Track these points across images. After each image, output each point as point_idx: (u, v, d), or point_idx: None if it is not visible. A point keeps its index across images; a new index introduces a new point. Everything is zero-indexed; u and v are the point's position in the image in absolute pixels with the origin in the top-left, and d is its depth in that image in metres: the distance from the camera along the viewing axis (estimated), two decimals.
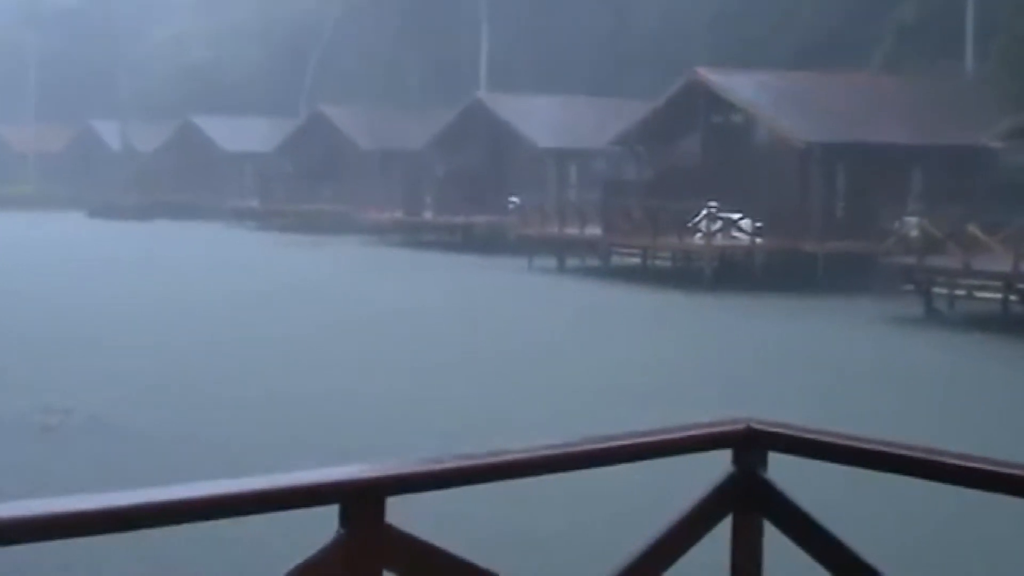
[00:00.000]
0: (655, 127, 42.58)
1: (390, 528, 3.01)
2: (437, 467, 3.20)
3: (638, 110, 44.03)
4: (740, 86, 40.20)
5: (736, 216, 36.89)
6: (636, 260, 41.25)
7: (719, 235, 36.96)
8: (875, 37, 51.21)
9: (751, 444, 3.60)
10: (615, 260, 41.98)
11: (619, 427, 3.61)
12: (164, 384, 18.54)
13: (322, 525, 3.02)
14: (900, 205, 36.08)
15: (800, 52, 51.20)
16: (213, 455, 13.57)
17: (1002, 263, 28.39)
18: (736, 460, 3.60)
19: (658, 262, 41.34)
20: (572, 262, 41.55)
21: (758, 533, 3.61)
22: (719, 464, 3.63)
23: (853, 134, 37.24)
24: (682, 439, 3.62)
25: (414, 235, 52.95)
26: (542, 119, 51.40)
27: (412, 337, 24.52)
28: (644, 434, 3.58)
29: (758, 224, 36.35)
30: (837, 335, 26.65)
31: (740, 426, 3.59)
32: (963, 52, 49.08)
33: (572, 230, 41.84)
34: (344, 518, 2.97)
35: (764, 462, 3.61)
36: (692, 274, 37.33)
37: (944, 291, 31.08)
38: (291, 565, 2.92)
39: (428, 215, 52.83)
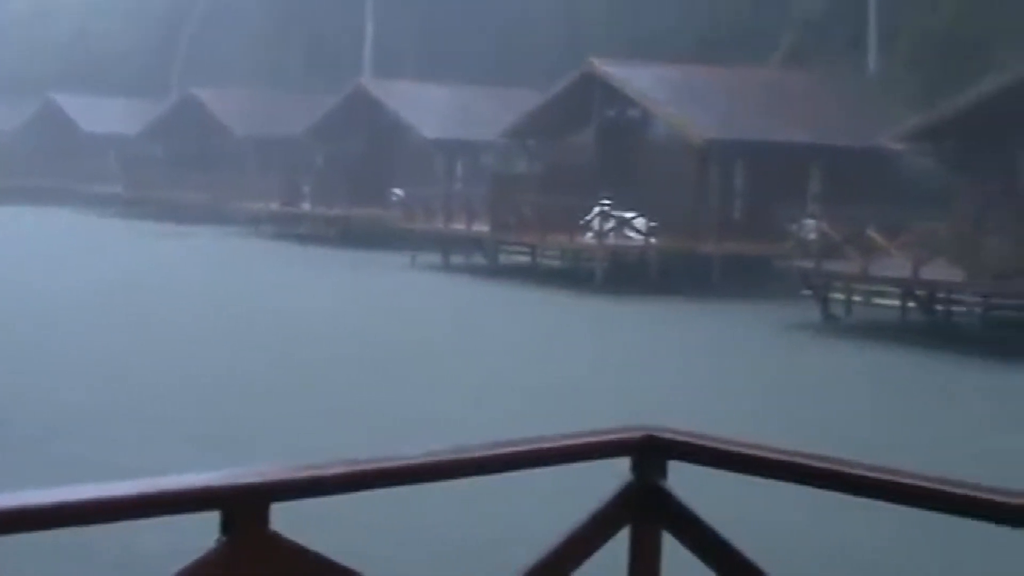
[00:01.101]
0: (547, 120, 42.76)
1: (274, 536, 3.02)
2: (324, 472, 3.21)
3: (531, 101, 44.18)
4: (637, 79, 40.50)
5: (630, 215, 37.18)
6: (525, 258, 41.41)
7: (612, 234, 37.22)
8: (778, 32, 51.96)
9: (650, 452, 3.66)
10: (503, 258, 42.08)
11: (501, 435, 3.64)
12: None
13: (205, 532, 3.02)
14: (799, 206, 36.63)
15: (701, 45, 51.72)
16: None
17: (901, 268, 28.99)
18: (635, 468, 3.66)
19: (548, 261, 41.56)
20: (457, 259, 41.58)
21: (656, 543, 3.68)
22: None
23: (753, 132, 37.75)
24: (579, 446, 3.67)
25: (291, 227, 52.60)
26: (429, 108, 51.33)
27: (280, 338, 24.26)
28: (540, 440, 3.63)
29: (653, 224, 36.66)
30: (730, 342, 27.01)
31: (639, 434, 3.65)
32: (867, 49, 50.02)
33: (458, 226, 41.84)
34: (226, 525, 2.97)
35: (663, 471, 3.68)
36: (583, 274, 37.57)
37: (842, 296, 31.65)
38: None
39: (306, 206, 52.49)
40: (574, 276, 38.12)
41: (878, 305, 32.24)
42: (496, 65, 59.34)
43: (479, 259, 41.74)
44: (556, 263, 41.76)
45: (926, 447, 15.81)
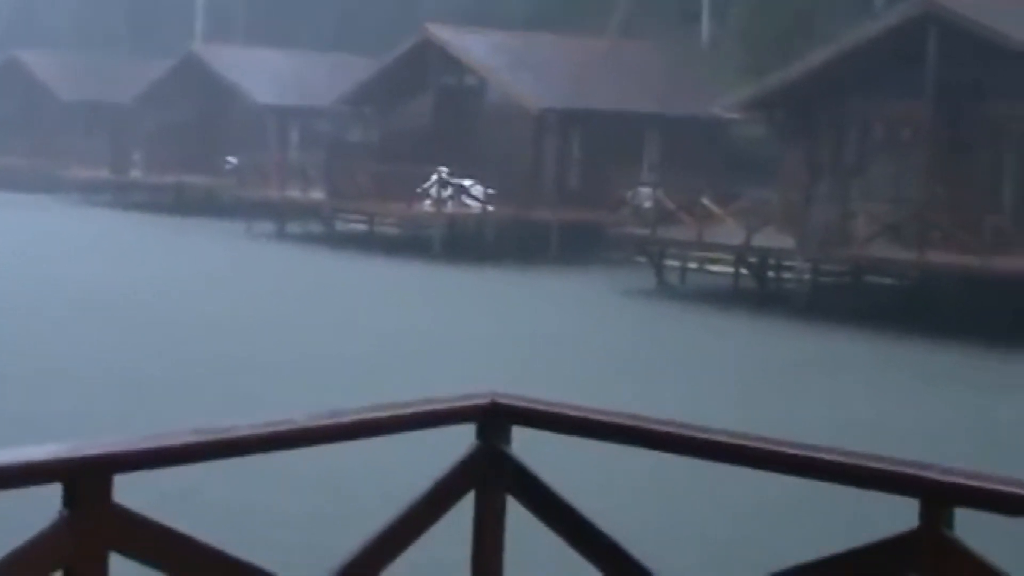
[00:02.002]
0: (384, 87, 42.54)
1: (117, 508, 2.99)
2: (167, 443, 3.18)
3: (368, 68, 43.90)
4: (474, 46, 40.51)
5: (468, 182, 37.23)
6: (362, 227, 41.22)
7: (449, 202, 37.25)
8: (613, 2, 52.38)
9: (495, 418, 3.70)
10: (339, 226, 41.84)
11: (334, 405, 3.64)
12: None
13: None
14: (635, 174, 37.10)
15: (538, 13, 51.91)
16: None
17: (734, 236, 29.56)
18: (480, 434, 3.70)
19: (385, 229, 41.43)
20: (293, 228, 41.21)
21: (500, 508, 3.72)
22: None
23: (589, 100, 38.05)
24: (424, 413, 3.69)
25: (122, 195, 51.53)
26: (263, 74, 50.67)
27: (107, 311, 23.70)
28: (384, 408, 3.64)
29: (490, 191, 36.79)
30: (566, 308, 27.27)
31: (484, 400, 3.69)
32: (700, 20, 50.71)
33: (294, 193, 41.47)
34: (68, 497, 2.93)
35: (508, 436, 3.72)
36: (421, 242, 37.54)
37: (676, 263, 32.16)
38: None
39: (137, 174, 51.48)
40: (412, 244, 38.09)
41: (712, 272, 32.83)
42: (331, 31, 58.83)
43: (315, 227, 41.43)
44: (394, 231, 41.66)
45: (746, 407, 16.22)
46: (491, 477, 3.69)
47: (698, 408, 15.24)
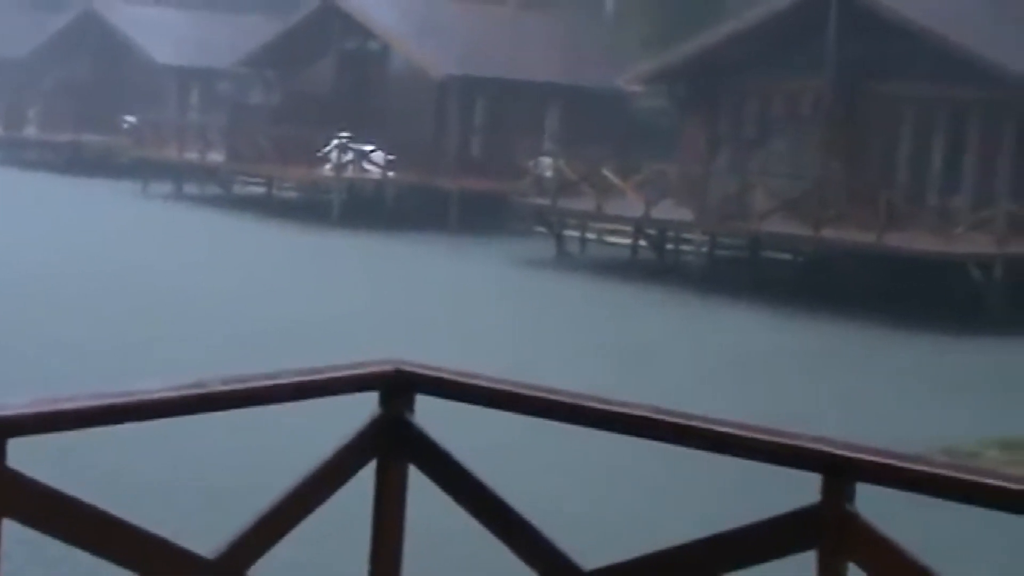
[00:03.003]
0: (286, 49, 42.13)
1: (12, 473, 2.91)
2: (65, 406, 3.11)
3: (271, 30, 43.44)
4: (378, 11, 40.22)
5: (368, 148, 37.01)
6: (261, 190, 40.83)
7: (350, 167, 37.02)
8: None
9: (398, 386, 3.66)
10: (238, 189, 41.42)
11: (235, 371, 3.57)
12: None
13: None
14: (537, 144, 37.12)
15: None
16: None
17: (634, 208, 29.70)
18: (383, 402, 3.66)
19: (284, 193, 41.08)
20: (191, 189, 40.72)
21: (402, 478, 3.69)
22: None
23: (493, 68, 37.97)
24: (326, 381, 3.64)
25: (16, 153, 50.51)
26: (163, 33, 49.90)
27: None
28: (286, 375, 3.58)
29: (391, 157, 36.60)
30: (464, 276, 27.26)
31: (388, 368, 3.65)
32: None
33: (192, 155, 40.96)
34: None
35: (411, 405, 3.68)
36: (320, 207, 37.27)
37: (576, 234, 32.25)
38: None
39: (33, 131, 50.51)
40: (311, 208, 37.80)
41: (611, 243, 32.98)
42: None
43: (214, 189, 40.97)
44: (293, 195, 41.32)
45: (623, 374, 16.34)
46: (393, 446, 3.66)
47: (578, 376, 15.28)
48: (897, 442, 14.14)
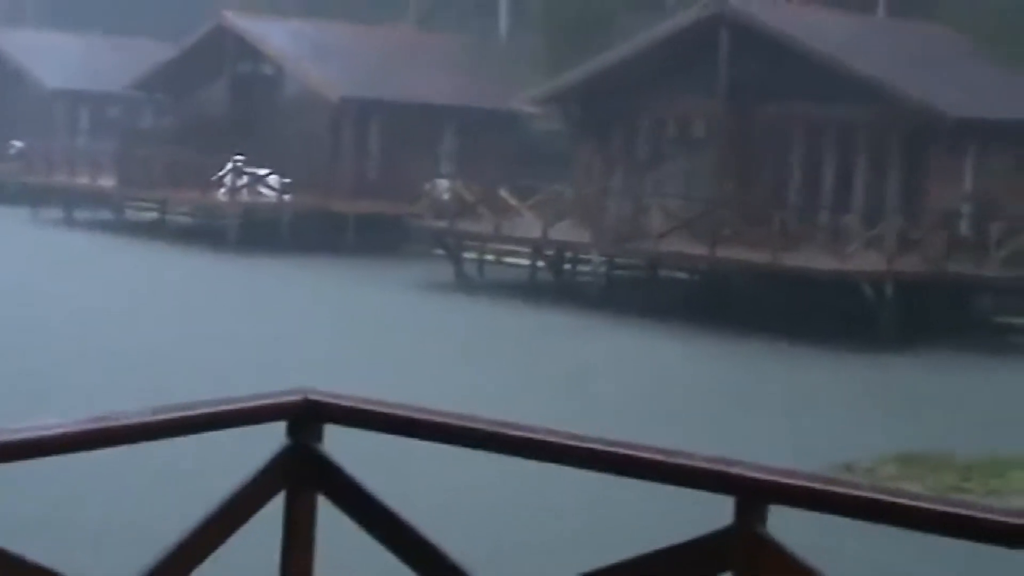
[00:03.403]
0: (178, 73, 41.73)
1: None
2: None
3: (162, 53, 43.01)
4: (272, 34, 40.01)
5: (264, 172, 36.77)
6: (154, 215, 40.35)
7: (245, 191, 36.73)
8: None
9: (307, 416, 3.62)
10: (130, 214, 40.91)
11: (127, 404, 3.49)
12: None
13: None
14: (433, 166, 37.12)
15: (336, 2, 51.50)
16: None
17: (532, 229, 29.80)
18: (291, 432, 3.62)
19: (179, 218, 40.65)
20: (82, 215, 40.14)
21: (311, 508, 3.64)
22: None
23: (388, 91, 37.90)
24: (234, 411, 3.59)
25: None
26: (53, 57, 49.16)
27: None
28: (193, 406, 3.53)
29: (287, 181, 36.38)
30: (361, 300, 27.13)
31: (297, 397, 3.60)
32: (498, 13, 50.95)
33: (83, 180, 40.40)
34: None
35: (320, 434, 3.64)
36: (215, 231, 36.94)
37: (475, 256, 32.24)
38: None
39: None
40: (206, 233, 37.43)
41: (510, 265, 33.02)
42: (125, 15, 57.44)
43: (105, 215, 40.42)
44: (187, 220, 40.89)
45: (516, 394, 16.38)
46: (302, 476, 3.62)
47: (471, 398, 15.24)
48: (796, 459, 14.29)
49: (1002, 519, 2.86)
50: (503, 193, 31.29)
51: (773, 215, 26.44)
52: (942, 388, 20.74)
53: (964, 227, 27.28)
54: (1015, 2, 41.59)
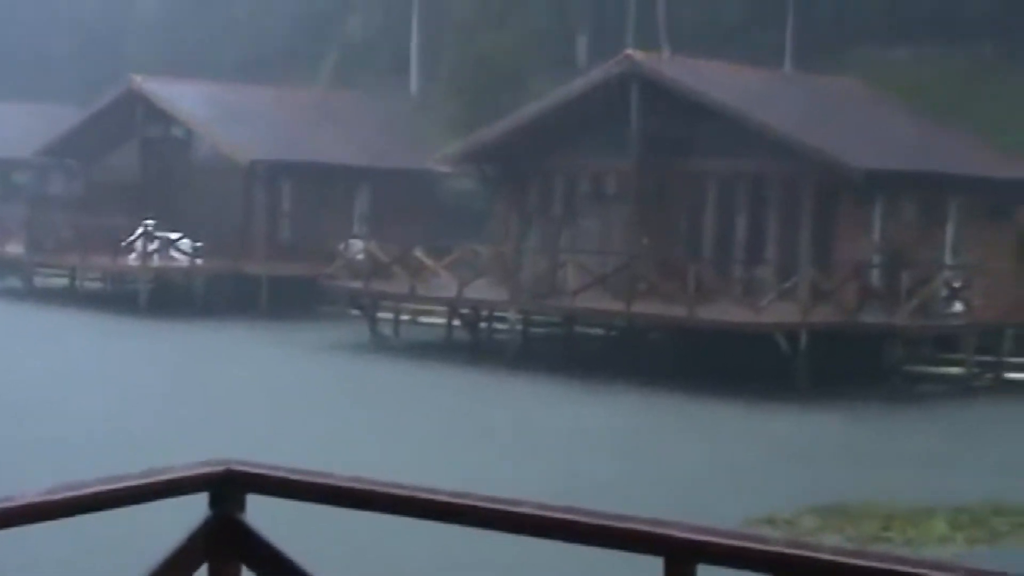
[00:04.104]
0: (88, 138, 41.45)
1: None
2: None
3: (71, 118, 42.70)
4: (181, 97, 39.84)
5: (175, 236, 36.52)
6: (64, 281, 39.88)
7: (156, 256, 36.44)
8: (322, 52, 52.37)
9: (229, 486, 3.59)
10: (39, 281, 40.38)
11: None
12: None
13: None
14: (347, 227, 37.05)
15: (247, 63, 51.48)
16: None
17: (447, 288, 29.80)
18: (213, 503, 3.58)
19: (90, 284, 40.20)
20: None
21: None
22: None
23: (300, 152, 37.86)
24: (156, 484, 3.55)
25: None
26: None
27: None
28: (115, 480, 3.48)
29: (199, 244, 36.16)
30: (275, 363, 26.94)
31: (219, 468, 3.57)
32: (409, 73, 51.14)
33: None
34: None
35: (242, 505, 3.61)
36: (126, 297, 36.58)
37: (390, 316, 32.16)
38: None
39: None
40: (117, 299, 37.05)
41: (426, 324, 32.98)
42: (33, 80, 56.99)
43: (14, 282, 39.89)
44: (98, 286, 40.46)
45: (428, 456, 16.32)
46: (224, 548, 3.58)
47: (384, 461, 15.17)
48: (716, 513, 14.37)
49: (922, 571, 2.88)
50: (418, 252, 31.29)
51: (688, 269, 26.65)
52: (858, 438, 20.94)
53: (875, 277, 27.66)
54: (918, 55, 42.49)
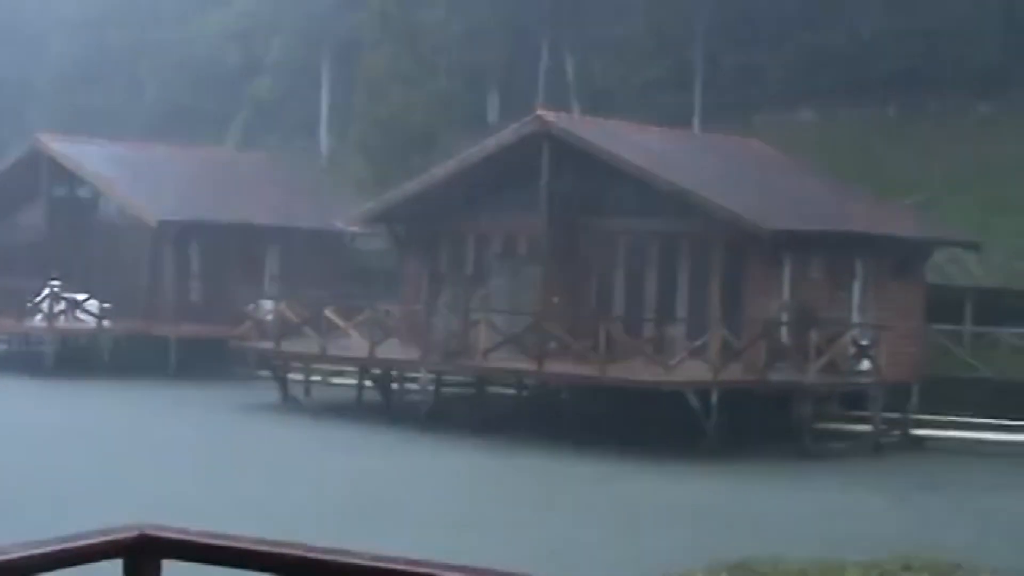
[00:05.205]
0: None
1: None
2: None
3: None
4: (88, 157, 39.48)
5: (82, 296, 36.10)
6: None
7: (63, 317, 35.97)
8: (231, 112, 52.25)
9: (143, 552, 3.53)
10: None
11: None
12: None
13: None
14: (257, 287, 36.82)
15: (155, 123, 51.25)
16: None
17: (358, 348, 29.66)
18: (127, 570, 3.52)
19: None
20: None
21: None
22: None
23: (209, 212, 37.63)
24: (65, 551, 3.48)
25: None
26: None
27: None
28: (20, 548, 3.41)
29: (106, 305, 35.77)
30: (181, 425, 26.61)
31: (132, 533, 3.51)
32: (319, 133, 51.16)
33: None
34: None
35: (158, 570, 3.55)
36: (32, 358, 36.03)
37: (301, 377, 31.93)
38: None
39: None
40: (23, 360, 36.47)
41: (337, 385, 32.78)
42: None
43: None
44: (3, 347, 39.83)
45: (343, 518, 16.21)
46: None
47: (280, 525, 15.04)
48: (631, 573, 14.38)
49: None
50: (329, 312, 31.13)
51: (599, 328, 26.76)
52: (766, 496, 21.09)
53: (785, 336, 27.93)
54: (823, 116, 43.23)
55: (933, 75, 41.10)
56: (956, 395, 28.38)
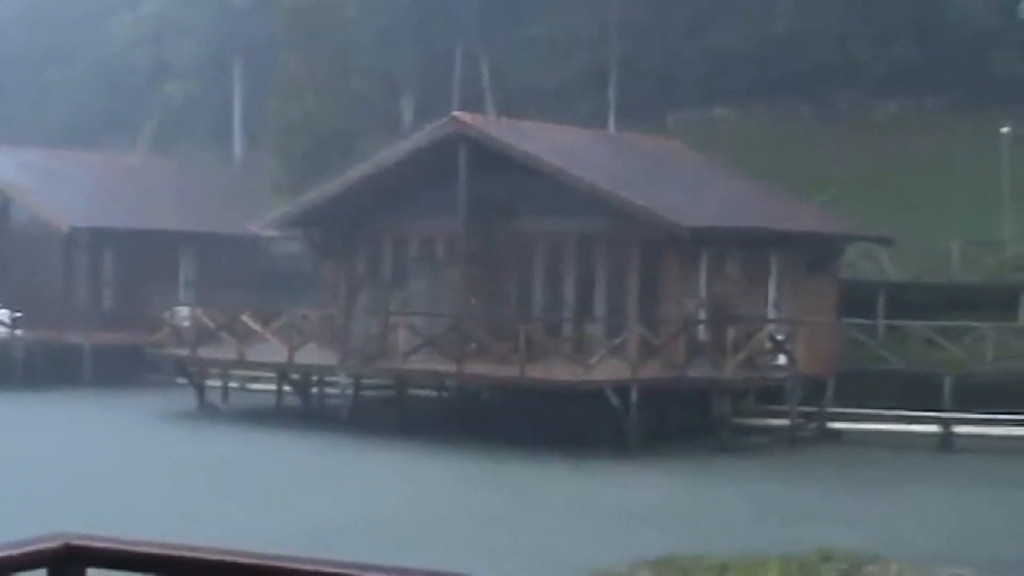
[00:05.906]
0: None
1: None
2: None
3: None
4: None
5: None
6: None
7: None
8: (143, 117, 51.75)
9: (67, 562, 3.52)
10: None
11: None
12: None
13: None
14: (172, 293, 36.51)
15: (65, 129, 50.65)
16: None
17: (277, 353, 29.49)
18: None
19: None
20: None
21: None
22: None
23: (122, 219, 37.26)
24: None
25: None
26: None
27: None
28: None
29: (18, 314, 35.28)
30: (96, 434, 26.32)
31: (56, 543, 3.50)
32: (232, 137, 50.78)
33: None
34: None
35: None
36: None
37: (219, 383, 31.67)
38: None
39: None
40: None
41: (256, 390, 32.57)
42: None
43: None
44: None
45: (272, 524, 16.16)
46: None
47: (201, 531, 14.97)
48: (551, 571, 14.45)
49: None
50: (246, 318, 30.91)
51: (518, 328, 26.82)
52: (687, 492, 21.25)
53: (702, 332, 28.15)
54: (737, 115, 43.60)
55: (844, 74, 41.64)
56: (870, 388, 28.77)
